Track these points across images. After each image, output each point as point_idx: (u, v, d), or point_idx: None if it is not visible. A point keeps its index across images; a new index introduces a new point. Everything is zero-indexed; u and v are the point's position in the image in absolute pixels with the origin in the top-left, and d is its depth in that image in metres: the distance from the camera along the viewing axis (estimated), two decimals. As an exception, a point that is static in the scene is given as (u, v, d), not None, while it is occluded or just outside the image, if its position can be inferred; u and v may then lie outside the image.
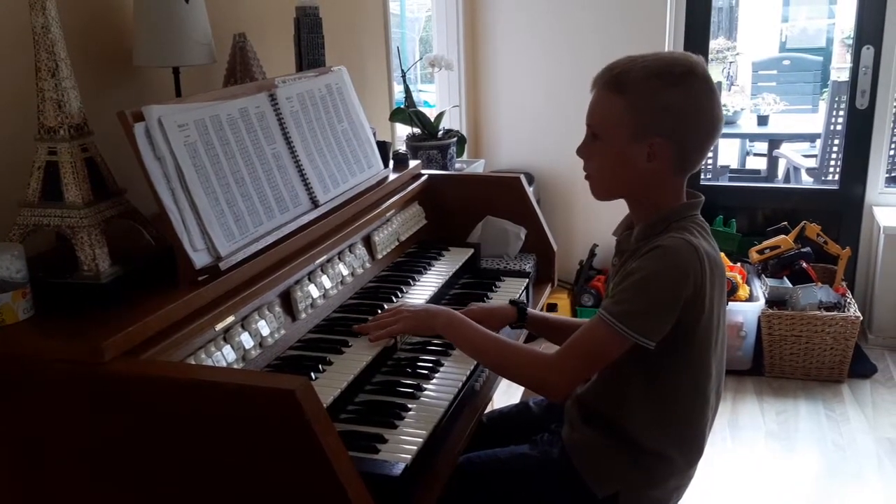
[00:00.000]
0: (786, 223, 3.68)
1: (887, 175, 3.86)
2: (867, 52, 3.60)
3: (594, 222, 3.89)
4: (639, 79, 1.38)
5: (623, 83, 1.40)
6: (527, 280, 2.09)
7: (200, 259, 1.38)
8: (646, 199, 1.46)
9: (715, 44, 7.73)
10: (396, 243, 2.05)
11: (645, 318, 1.35)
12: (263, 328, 1.47)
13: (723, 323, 1.50)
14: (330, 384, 1.42)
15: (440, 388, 1.53)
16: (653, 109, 1.39)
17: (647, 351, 1.36)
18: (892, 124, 3.81)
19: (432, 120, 2.97)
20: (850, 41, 3.79)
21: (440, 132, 2.99)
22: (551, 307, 3.80)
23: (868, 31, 3.60)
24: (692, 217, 1.46)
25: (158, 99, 1.57)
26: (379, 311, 1.71)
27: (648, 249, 1.38)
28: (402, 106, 3.00)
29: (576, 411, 1.55)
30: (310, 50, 2.02)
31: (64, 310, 1.27)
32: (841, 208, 3.82)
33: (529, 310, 1.78)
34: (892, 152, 4.39)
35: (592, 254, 3.92)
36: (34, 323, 1.25)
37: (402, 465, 1.26)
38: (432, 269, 2.02)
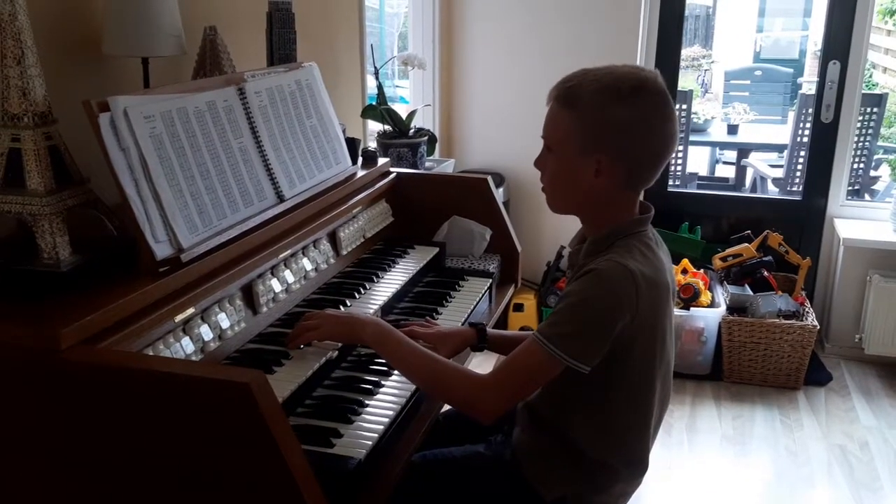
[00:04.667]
0: (749, 232, 3.74)
1: (849, 188, 3.93)
2: (833, 67, 3.67)
3: (563, 224, 3.89)
4: (588, 93, 1.37)
5: (573, 97, 1.38)
6: (490, 280, 2.11)
7: (162, 250, 1.38)
8: (596, 214, 1.45)
9: (690, 51, 7.82)
10: (362, 240, 2.07)
11: (578, 343, 1.33)
12: (223, 321, 1.48)
13: (669, 337, 1.48)
14: (288, 378, 1.43)
15: (398, 386, 1.55)
16: (599, 125, 1.37)
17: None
18: (855, 138, 3.88)
19: (404, 118, 2.99)
20: (821, 54, 3.86)
21: (411, 130, 3.00)
22: (518, 307, 3.84)
23: (835, 47, 3.67)
24: (639, 234, 1.44)
25: (126, 88, 1.57)
26: (341, 308, 1.73)
27: (584, 272, 1.36)
28: (375, 102, 3.01)
29: (526, 415, 1.56)
30: (281, 45, 2.02)
31: (23, 296, 1.27)
32: (803, 219, 3.89)
33: (489, 330, 1.74)
34: (854, 166, 4.48)
35: (559, 255, 3.96)
36: (-8, 308, 1.25)
37: (355, 461, 1.28)
38: (397, 266, 2.03)
